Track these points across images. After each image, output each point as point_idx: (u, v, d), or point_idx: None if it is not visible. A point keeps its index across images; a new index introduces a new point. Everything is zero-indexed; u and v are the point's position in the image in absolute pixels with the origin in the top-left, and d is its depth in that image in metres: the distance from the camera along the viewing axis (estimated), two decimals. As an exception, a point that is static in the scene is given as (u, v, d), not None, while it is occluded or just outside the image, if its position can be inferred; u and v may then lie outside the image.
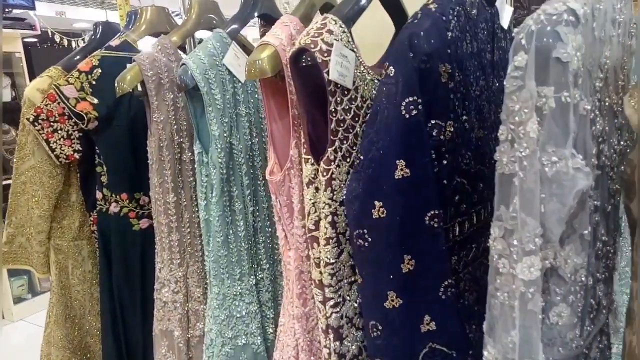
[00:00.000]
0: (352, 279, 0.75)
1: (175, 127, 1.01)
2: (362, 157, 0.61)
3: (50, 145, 1.15)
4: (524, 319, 0.52)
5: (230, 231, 0.93)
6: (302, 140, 0.71)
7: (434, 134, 0.59)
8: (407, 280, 0.60)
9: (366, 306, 0.64)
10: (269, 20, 1.00)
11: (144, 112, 1.14)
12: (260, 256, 1.00)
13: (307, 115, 0.70)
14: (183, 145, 1.03)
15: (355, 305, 0.77)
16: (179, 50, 1.03)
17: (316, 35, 0.64)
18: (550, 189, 0.49)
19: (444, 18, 0.58)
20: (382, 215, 0.59)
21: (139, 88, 0.98)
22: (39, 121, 1.14)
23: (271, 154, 0.80)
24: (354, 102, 0.68)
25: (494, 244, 0.54)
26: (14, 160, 1.22)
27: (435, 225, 0.60)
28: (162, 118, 0.99)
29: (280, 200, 0.78)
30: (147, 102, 1.01)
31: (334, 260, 0.71)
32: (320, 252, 0.71)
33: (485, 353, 0.58)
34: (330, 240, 0.70)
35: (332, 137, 0.67)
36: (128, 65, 1.00)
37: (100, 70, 1.09)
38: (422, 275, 0.60)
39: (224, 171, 0.90)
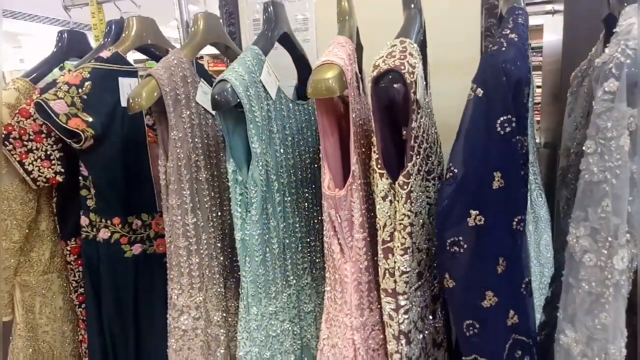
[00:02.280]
0: (418, 284, 0.80)
1: (191, 145, 0.97)
2: (455, 170, 0.67)
3: (25, 167, 1.03)
4: (617, 302, 0.61)
5: (267, 249, 0.93)
6: (376, 156, 0.75)
7: (518, 148, 0.67)
8: (500, 279, 0.67)
9: (460, 307, 0.70)
10: (283, 39, 1.02)
11: (137, 129, 1.08)
12: (287, 272, 1.00)
13: (380, 132, 0.75)
14: (199, 164, 0.99)
15: (419, 309, 0.82)
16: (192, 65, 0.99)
17: (402, 57, 0.69)
18: (638, 193, 0.60)
19: (524, 48, 0.67)
20: (479, 223, 0.66)
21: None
22: (10, 140, 1.01)
23: (325, 170, 0.82)
24: (422, 119, 0.75)
25: (577, 242, 0.64)
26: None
27: (521, 228, 0.68)
28: (179, 136, 0.95)
29: (340, 214, 0.80)
30: (161, 120, 0.96)
31: (409, 269, 0.76)
32: (395, 261, 0.76)
33: (562, 336, 0.67)
34: (408, 250, 0.75)
35: (410, 153, 0.73)
36: (140, 80, 0.94)
37: (91, 83, 1.01)
38: (510, 274, 0.68)
39: (265, 188, 0.89)
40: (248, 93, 0.85)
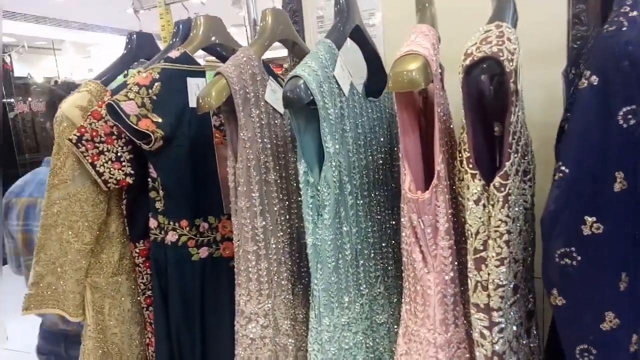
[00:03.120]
0: (513, 299, 0.71)
1: (260, 145, 0.94)
2: (566, 170, 0.58)
3: (97, 169, 1.03)
4: None
5: (340, 255, 0.87)
6: (467, 155, 0.68)
7: (641, 142, 0.58)
8: (622, 298, 0.58)
9: (573, 330, 0.61)
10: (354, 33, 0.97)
11: (205, 130, 1.06)
12: (360, 281, 0.94)
13: (472, 128, 0.67)
14: (268, 165, 0.96)
15: (515, 328, 0.73)
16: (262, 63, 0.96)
17: (499, 43, 0.61)
18: None
19: (650, 26, 0.57)
20: (596, 232, 0.57)
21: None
22: (83, 142, 1.03)
23: (406, 171, 0.75)
24: (519, 112, 0.66)
25: None
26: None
27: (644, 238, 0.58)
28: (249, 136, 0.91)
29: (423, 220, 0.74)
30: (229, 120, 0.93)
31: (506, 282, 0.68)
32: (489, 273, 0.68)
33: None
34: (504, 261, 0.67)
35: (508, 150, 0.65)
36: (208, 79, 0.92)
37: (160, 84, 1.00)
38: (633, 292, 0.58)
39: (338, 191, 0.84)
40: (322, 89, 0.80)
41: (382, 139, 1.02)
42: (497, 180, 0.64)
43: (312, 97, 0.79)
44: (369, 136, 0.97)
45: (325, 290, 0.86)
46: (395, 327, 1.04)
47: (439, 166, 0.72)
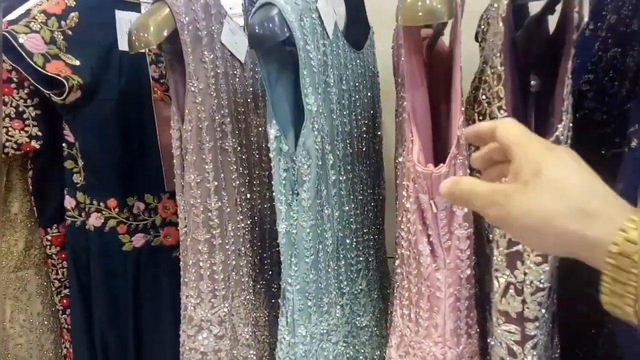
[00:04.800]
0: (546, 305, 0.59)
1: (215, 101, 0.75)
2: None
3: (-11, 129, 0.81)
4: None
5: (320, 246, 0.71)
6: (503, 115, 0.53)
7: None
8: None
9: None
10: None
11: (140, 81, 0.87)
12: (341, 277, 0.79)
13: (512, 78, 0.53)
14: (225, 128, 0.78)
15: (545, 338, 0.61)
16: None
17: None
18: None
19: None
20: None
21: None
22: (-32, 93, 0.79)
23: (414, 137, 0.60)
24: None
25: None
26: None
27: None
28: (200, 87, 0.73)
29: (436, 202, 0.59)
30: (174, 66, 0.74)
31: (547, 285, 0.54)
32: (526, 273, 0.54)
33: None
34: (548, 257, 0.53)
35: (561, 109, 0.51)
36: (145, 8, 0.72)
37: (77, 15, 0.79)
38: None
39: (320, 162, 0.68)
40: (302, 24, 0.63)
41: (365, 100, 0.86)
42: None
43: (288, 34, 0.61)
44: (354, 95, 0.81)
45: (301, 292, 0.70)
46: (377, 330, 0.90)
47: (459, 131, 0.57)
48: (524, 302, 0.55)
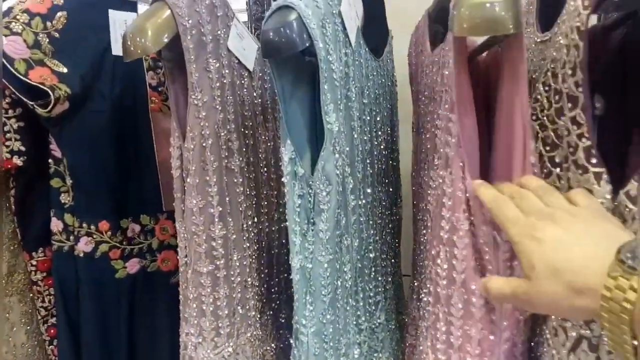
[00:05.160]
0: None
1: (221, 116, 0.67)
2: None
3: (-33, 144, 0.72)
4: None
5: (339, 282, 0.63)
6: (586, 145, 0.44)
7: None
8: None
9: None
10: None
11: (136, 90, 0.79)
12: (359, 312, 0.71)
13: (590, 98, 0.44)
14: (231, 146, 0.69)
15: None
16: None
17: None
18: None
19: None
20: None
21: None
22: (-56, 103, 0.71)
23: (466, 167, 0.51)
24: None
25: None
26: None
27: None
28: (205, 100, 0.64)
29: (501, 234, 0.51)
30: (174, 75, 0.66)
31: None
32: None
33: None
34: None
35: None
36: (143, 8, 0.64)
37: (66, 15, 0.70)
38: None
39: (341, 188, 0.60)
40: (324, 31, 0.54)
41: (385, 114, 0.78)
42: (633, 184, 0.41)
43: (309, 43, 0.53)
44: (374, 109, 0.73)
45: (317, 334, 0.62)
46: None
47: (533, 157, 0.48)
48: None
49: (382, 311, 0.78)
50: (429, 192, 0.64)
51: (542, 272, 0.37)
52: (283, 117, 0.57)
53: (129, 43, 0.60)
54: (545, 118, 0.45)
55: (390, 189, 0.82)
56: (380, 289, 0.77)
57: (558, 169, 0.44)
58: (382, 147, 0.77)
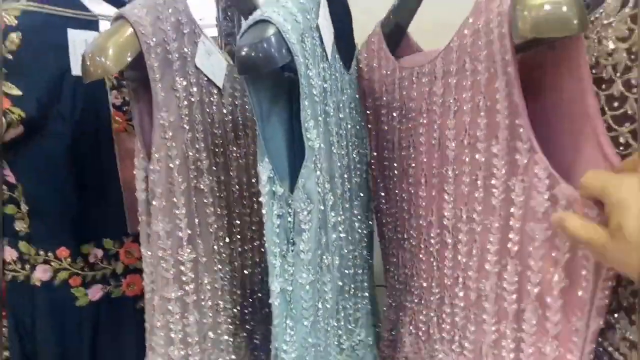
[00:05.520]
0: None
1: (189, 135, 0.64)
2: None
3: None
4: None
5: (320, 304, 0.61)
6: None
7: None
8: None
9: None
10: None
11: (97, 111, 0.74)
12: (340, 331, 0.69)
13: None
14: (200, 166, 0.66)
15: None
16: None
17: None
18: None
19: None
20: None
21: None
22: None
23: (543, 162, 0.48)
24: None
25: None
26: None
27: None
28: (171, 120, 0.61)
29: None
30: (139, 95, 0.63)
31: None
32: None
33: None
34: None
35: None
36: (104, 27, 0.60)
37: (20, 36, 0.65)
38: None
39: (322, 207, 0.58)
40: (303, 46, 0.53)
41: (357, 127, 0.77)
42: None
43: (289, 59, 0.51)
44: (349, 123, 0.72)
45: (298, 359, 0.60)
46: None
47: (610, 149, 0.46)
48: None
49: (362, 328, 0.77)
50: (449, 206, 0.59)
51: (632, 235, 0.36)
52: (260, 135, 0.55)
53: (88, 63, 0.57)
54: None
55: (364, 203, 0.81)
56: (359, 305, 0.76)
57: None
58: (356, 160, 0.76)
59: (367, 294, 0.81)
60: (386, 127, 0.74)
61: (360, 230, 0.77)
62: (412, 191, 0.65)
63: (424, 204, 0.63)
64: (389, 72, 0.71)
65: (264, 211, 0.56)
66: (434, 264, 0.61)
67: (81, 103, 0.71)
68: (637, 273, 0.37)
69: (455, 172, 0.57)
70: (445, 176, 0.58)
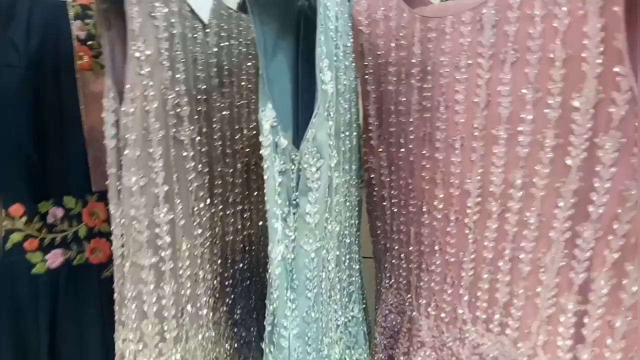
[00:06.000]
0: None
1: (169, 74, 0.54)
2: None
3: None
4: None
5: (323, 274, 0.53)
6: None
7: None
8: None
9: None
10: None
11: (58, 42, 0.63)
12: (336, 305, 0.62)
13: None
14: (180, 112, 0.57)
15: None
16: None
17: None
18: None
19: None
20: None
21: None
22: None
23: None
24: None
25: None
26: None
27: None
28: (148, 52, 0.51)
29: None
30: (110, 22, 0.52)
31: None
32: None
33: None
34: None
35: None
36: None
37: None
38: None
39: (333, 164, 0.50)
40: (319, -33, 0.44)
41: (355, 82, 0.69)
42: None
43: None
44: (351, 75, 0.63)
45: (300, 337, 0.52)
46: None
47: None
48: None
49: (355, 303, 0.71)
50: (497, 171, 0.52)
51: None
52: (263, 76, 0.46)
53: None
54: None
55: (358, 167, 0.74)
56: (353, 278, 0.69)
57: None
58: (354, 117, 0.68)
59: (357, 266, 0.74)
60: (395, 88, 0.64)
61: (355, 196, 0.70)
62: (440, 157, 0.57)
63: (457, 170, 0.54)
64: (403, 24, 0.62)
65: (265, 166, 0.48)
66: (470, 237, 0.54)
67: (38, 33, 0.60)
68: None
69: (509, 132, 0.49)
70: (495, 137, 0.50)
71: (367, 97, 0.68)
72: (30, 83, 0.60)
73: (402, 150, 0.63)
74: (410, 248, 0.64)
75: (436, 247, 0.58)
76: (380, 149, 0.69)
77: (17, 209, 0.63)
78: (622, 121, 0.42)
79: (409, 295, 0.65)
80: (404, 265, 0.66)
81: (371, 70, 0.66)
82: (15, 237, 0.64)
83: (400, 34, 0.61)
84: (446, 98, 0.55)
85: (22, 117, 0.60)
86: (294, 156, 0.48)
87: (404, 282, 0.67)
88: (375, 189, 0.71)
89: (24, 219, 0.63)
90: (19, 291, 0.65)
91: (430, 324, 0.60)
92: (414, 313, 0.63)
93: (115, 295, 0.59)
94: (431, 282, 0.60)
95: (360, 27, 0.64)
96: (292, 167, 0.48)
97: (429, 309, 0.60)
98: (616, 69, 0.41)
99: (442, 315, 0.58)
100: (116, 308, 0.59)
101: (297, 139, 0.48)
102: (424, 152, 0.59)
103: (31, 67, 0.60)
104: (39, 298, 0.66)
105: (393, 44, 0.62)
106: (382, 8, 0.62)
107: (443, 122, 0.55)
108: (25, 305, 0.66)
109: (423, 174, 0.59)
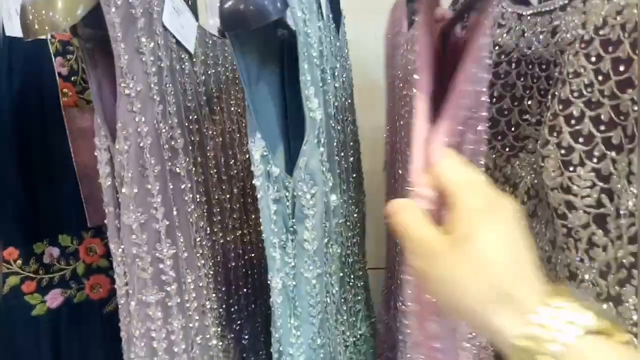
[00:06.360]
0: None
1: (160, 108, 0.54)
2: None
3: None
4: None
5: (327, 299, 0.53)
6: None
7: None
8: None
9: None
10: None
11: (43, 82, 0.63)
12: (343, 327, 0.62)
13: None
14: (174, 145, 0.56)
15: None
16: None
17: None
18: None
19: None
20: None
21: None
22: None
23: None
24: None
25: None
26: None
27: None
28: (139, 88, 0.51)
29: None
30: (96, 60, 0.52)
31: None
32: None
33: None
34: None
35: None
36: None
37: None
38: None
39: (328, 189, 0.50)
40: (301, -1, 0.44)
41: (349, 101, 0.69)
42: None
43: (283, 12, 0.42)
44: (343, 94, 0.64)
45: (305, 365, 0.52)
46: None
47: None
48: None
49: (362, 321, 0.70)
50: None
51: (475, 252, 0.28)
52: (250, 106, 0.46)
53: (30, 17, 0.46)
54: (597, 93, 0.37)
55: (357, 184, 0.73)
56: (359, 297, 0.69)
57: (614, 152, 0.36)
58: (350, 137, 0.68)
59: (363, 282, 0.74)
60: (392, 100, 0.64)
61: (355, 214, 0.70)
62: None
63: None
64: (400, 38, 0.62)
65: (258, 195, 0.48)
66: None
67: (20, 72, 0.59)
68: (474, 300, 0.28)
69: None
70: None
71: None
72: (14, 125, 0.59)
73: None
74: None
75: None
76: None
77: (11, 252, 0.62)
78: None
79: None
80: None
81: (390, 79, 0.66)
82: (12, 281, 0.63)
83: (399, 47, 0.60)
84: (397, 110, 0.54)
85: (8, 161, 0.60)
86: (287, 183, 0.47)
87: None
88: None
89: (19, 261, 0.63)
90: (20, 335, 0.64)
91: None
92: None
93: (122, 333, 0.58)
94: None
95: (386, 41, 0.68)
96: (287, 194, 0.48)
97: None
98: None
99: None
100: (124, 347, 0.58)
101: (290, 165, 0.48)
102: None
103: (12, 109, 0.59)
104: (40, 340, 0.66)
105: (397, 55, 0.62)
106: (398, 24, 0.62)
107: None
108: (27, 348, 0.65)
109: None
